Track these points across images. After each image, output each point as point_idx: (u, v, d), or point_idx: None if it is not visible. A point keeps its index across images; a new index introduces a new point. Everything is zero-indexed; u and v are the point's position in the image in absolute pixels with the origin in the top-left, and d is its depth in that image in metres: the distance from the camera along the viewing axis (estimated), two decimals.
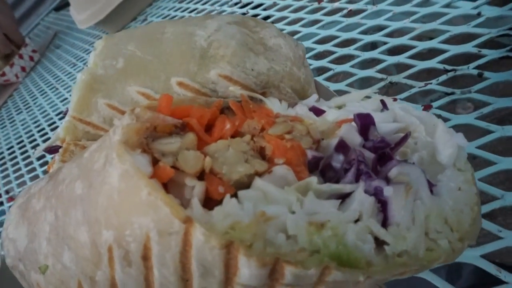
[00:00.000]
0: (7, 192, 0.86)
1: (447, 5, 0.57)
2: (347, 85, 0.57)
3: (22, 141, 1.02)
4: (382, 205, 0.23)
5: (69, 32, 1.54)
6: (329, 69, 0.61)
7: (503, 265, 0.32)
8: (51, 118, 1.01)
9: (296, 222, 0.20)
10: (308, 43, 0.68)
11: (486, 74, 0.45)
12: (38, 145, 0.95)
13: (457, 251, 0.22)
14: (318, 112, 0.30)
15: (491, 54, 0.47)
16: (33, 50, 1.48)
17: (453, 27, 0.53)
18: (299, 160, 0.24)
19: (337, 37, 0.65)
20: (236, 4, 0.95)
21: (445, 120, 0.43)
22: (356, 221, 0.22)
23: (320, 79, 0.61)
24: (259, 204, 0.20)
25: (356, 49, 0.61)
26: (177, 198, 0.20)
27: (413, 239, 0.21)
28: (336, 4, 0.71)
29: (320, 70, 0.65)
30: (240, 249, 0.18)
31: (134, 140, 0.22)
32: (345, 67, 0.60)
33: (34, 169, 0.85)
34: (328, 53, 0.64)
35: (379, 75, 0.54)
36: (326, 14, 0.72)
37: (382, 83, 0.53)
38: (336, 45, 0.64)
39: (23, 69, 1.44)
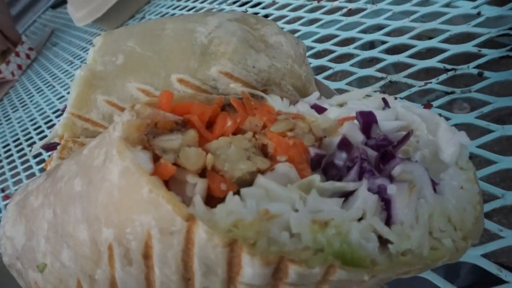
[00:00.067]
0: (2, 190, 0.86)
1: (447, 5, 0.57)
2: (346, 84, 0.57)
3: (18, 139, 1.01)
4: (386, 203, 0.22)
5: (66, 29, 1.53)
6: (328, 68, 0.61)
7: (503, 265, 0.32)
8: (48, 116, 1.00)
9: (299, 220, 0.19)
10: (307, 42, 0.68)
11: (486, 73, 0.45)
12: (34, 143, 0.94)
13: (460, 250, 0.22)
14: (320, 109, 0.30)
15: (491, 54, 0.47)
16: (29, 48, 1.47)
17: (453, 27, 0.53)
18: (302, 157, 0.24)
19: (336, 36, 0.65)
20: (235, 2, 0.95)
21: (446, 119, 0.43)
22: (360, 219, 0.21)
23: (319, 78, 0.61)
24: (262, 202, 0.20)
25: (355, 48, 0.61)
26: (178, 195, 0.20)
27: (417, 237, 0.21)
28: (336, 3, 0.71)
29: (319, 69, 0.64)
30: (243, 248, 0.17)
31: (134, 136, 0.22)
32: (345, 66, 0.59)
33: (30, 167, 0.85)
34: (327, 52, 0.64)
35: (379, 74, 0.54)
36: (325, 13, 0.71)
37: (381, 82, 0.53)
38: (336, 44, 0.64)
39: (19, 67, 1.43)
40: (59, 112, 0.98)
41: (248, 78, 0.32)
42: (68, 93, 1.03)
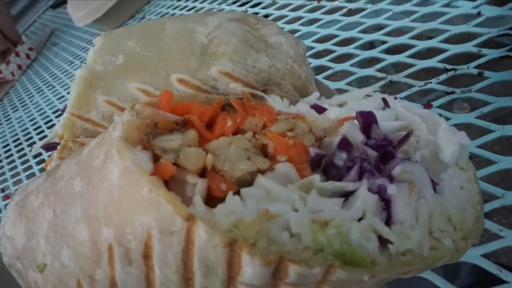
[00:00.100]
0: (2, 190, 0.86)
1: (447, 5, 0.57)
2: (346, 84, 0.57)
3: (18, 139, 1.01)
4: (386, 203, 0.22)
5: (66, 29, 1.53)
6: (328, 68, 0.61)
7: (503, 265, 0.32)
8: (48, 116, 1.00)
9: (299, 220, 0.19)
10: (307, 42, 0.68)
11: (486, 73, 0.45)
12: (34, 143, 0.94)
13: (461, 250, 0.22)
14: (319, 109, 0.30)
15: (491, 54, 0.47)
16: (29, 48, 1.47)
17: (453, 27, 0.53)
18: (302, 157, 0.24)
19: (336, 36, 0.65)
20: (234, 2, 0.95)
21: (446, 119, 0.43)
22: (360, 219, 0.21)
23: (319, 78, 0.61)
24: (262, 202, 0.20)
25: (355, 48, 0.61)
26: (178, 195, 0.20)
27: (417, 238, 0.21)
28: (336, 3, 0.71)
29: (319, 69, 0.64)
30: (243, 248, 0.17)
31: (134, 136, 0.22)
32: (345, 66, 0.59)
33: (30, 167, 0.85)
34: (327, 52, 0.64)
35: (379, 74, 0.54)
36: (325, 13, 0.71)
37: (381, 82, 0.53)
38: (336, 44, 0.64)
39: (19, 67, 1.43)
40: (59, 112, 0.98)
41: (248, 78, 0.32)
42: (68, 93, 1.03)
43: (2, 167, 0.94)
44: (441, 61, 0.50)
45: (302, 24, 0.73)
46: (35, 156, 0.86)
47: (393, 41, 0.57)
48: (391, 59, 0.55)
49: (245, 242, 0.18)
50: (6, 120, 1.18)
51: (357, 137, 0.26)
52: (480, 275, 0.52)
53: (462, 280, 0.56)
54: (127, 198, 0.20)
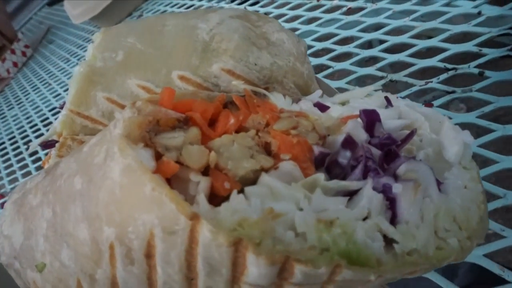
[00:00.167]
0: None
1: (447, 4, 0.57)
2: (346, 83, 0.57)
3: (14, 137, 1.00)
4: (390, 202, 0.22)
5: (62, 27, 1.52)
6: (328, 67, 0.61)
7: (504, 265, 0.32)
8: (44, 114, 1.00)
9: (304, 219, 0.19)
10: (307, 41, 0.67)
11: (487, 73, 0.45)
12: (30, 141, 0.94)
13: (466, 249, 0.22)
14: (322, 108, 0.30)
15: (491, 53, 0.47)
16: (25, 45, 1.46)
17: (453, 26, 0.53)
18: (305, 156, 0.24)
19: (336, 34, 0.65)
20: (233, 1, 0.94)
21: None
22: (364, 218, 0.21)
23: (319, 76, 0.61)
24: (266, 201, 0.20)
25: (355, 47, 0.61)
26: (181, 194, 0.19)
27: (423, 237, 0.21)
28: (335, 2, 0.71)
29: (319, 68, 0.64)
30: (249, 247, 0.17)
31: (136, 134, 0.21)
32: (345, 65, 0.59)
33: (26, 166, 0.84)
34: (327, 51, 0.64)
35: (379, 73, 0.54)
36: (325, 12, 0.71)
37: (382, 81, 0.52)
38: (335, 43, 0.64)
39: (15, 64, 1.41)
40: (55, 110, 0.97)
41: (250, 76, 0.32)
42: (65, 91, 1.02)
43: None
44: (442, 61, 0.50)
45: (301, 23, 0.73)
46: (31, 155, 0.85)
47: (393, 40, 0.57)
48: (391, 58, 0.55)
49: (251, 242, 0.17)
50: (1, 118, 1.16)
51: (361, 135, 0.26)
52: (479, 275, 0.52)
53: (460, 279, 0.56)
54: (129, 197, 0.19)
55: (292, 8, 0.78)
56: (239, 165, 0.22)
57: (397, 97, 0.32)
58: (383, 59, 0.55)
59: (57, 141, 0.33)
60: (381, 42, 0.59)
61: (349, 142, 0.25)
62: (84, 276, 0.21)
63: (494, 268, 0.31)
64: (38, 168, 0.80)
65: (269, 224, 0.18)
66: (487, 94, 0.43)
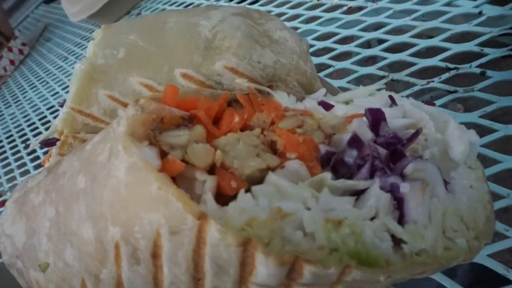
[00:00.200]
0: None
1: (448, 4, 0.57)
2: (347, 82, 0.56)
3: (12, 135, 1.00)
4: (398, 202, 0.22)
5: (59, 25, 1.51)
6: (329, 66, 0.61)
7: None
8: (42, 112, 0.99)
9: (313, 218, 0.19)
10: (307, 40, 0.67)
11: (489, 72, 0.45)
12: (28, 139, 0.93)
13: (474, 250, 0.22)
14: (327, 106, 0.29)
15: (493, 53, 0.47)
16: (22, 43, 1.45)
17: (454, 26, 0.53)
18: (312, 155, 0.24)
19: (336, 34, 0.65)
20: None
21: None
22: (372, 218, 0.21)
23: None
24: (273, 200, 0.20)
25: (356, 46, 0.60)
26: (187, 193, 0.19)
27: (431, 237, 0.21)
28: (336, 1, 0.71)
29: (320, 67, 0.64)
30: (257, 247, 0.17)
31: (140, 132, 0.21)
32: (345, 64, 0.59)
33: (24, 164, 0.83)
34: (327, 50, 0.63)
35: (381, 73, 0.54)
36: (325, 11, 0.71)
37: (383, 81, 0.52)
38: (336, 42, 0.64)
39: (12, 62, 1.40)
40: (54, 108, 0.96)
41: (253, 74, 0.31)
42: (63, 89, 1.02)
43: None
44: (443, 60, 0.50)
45: (302, 22, 0.73)
46: (29, 153, 0.84)
47: (393, 39, 0.57)
48: (392, 57, 0.54)
49: (260, 241, 0.17)
50: None
51: (366, 134, 0.26)
52: (478, 274, 0.52)
53: (460, 279, 0.56)
54: (134, 196, 0.19)
55: (292, 7, 0.78)
56: (245, 164, 0.22)
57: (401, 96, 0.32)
58: (384, 58, 0.55)
59: (58, 139, 0.33)
60: (381, 41, 0.59)
61: (355, 141, 0.24)
62: (88, 276, 0.21)
63: (499, 268, 0.31)
64: (36, 167, 0.80)
65: (277, 223, 0.18)
66: (488, 94, 0.43)
